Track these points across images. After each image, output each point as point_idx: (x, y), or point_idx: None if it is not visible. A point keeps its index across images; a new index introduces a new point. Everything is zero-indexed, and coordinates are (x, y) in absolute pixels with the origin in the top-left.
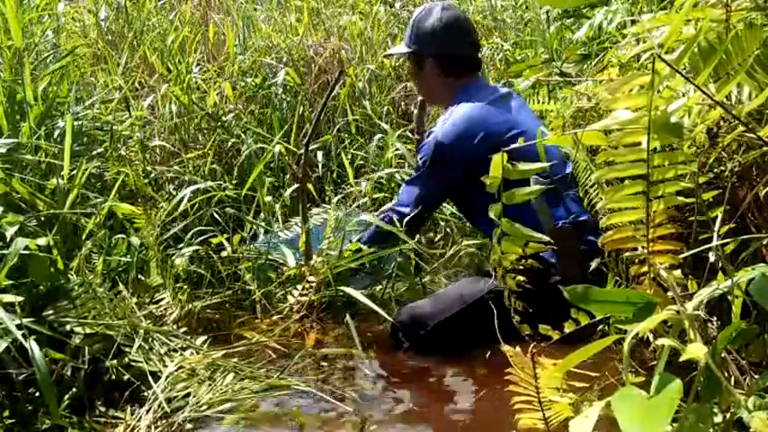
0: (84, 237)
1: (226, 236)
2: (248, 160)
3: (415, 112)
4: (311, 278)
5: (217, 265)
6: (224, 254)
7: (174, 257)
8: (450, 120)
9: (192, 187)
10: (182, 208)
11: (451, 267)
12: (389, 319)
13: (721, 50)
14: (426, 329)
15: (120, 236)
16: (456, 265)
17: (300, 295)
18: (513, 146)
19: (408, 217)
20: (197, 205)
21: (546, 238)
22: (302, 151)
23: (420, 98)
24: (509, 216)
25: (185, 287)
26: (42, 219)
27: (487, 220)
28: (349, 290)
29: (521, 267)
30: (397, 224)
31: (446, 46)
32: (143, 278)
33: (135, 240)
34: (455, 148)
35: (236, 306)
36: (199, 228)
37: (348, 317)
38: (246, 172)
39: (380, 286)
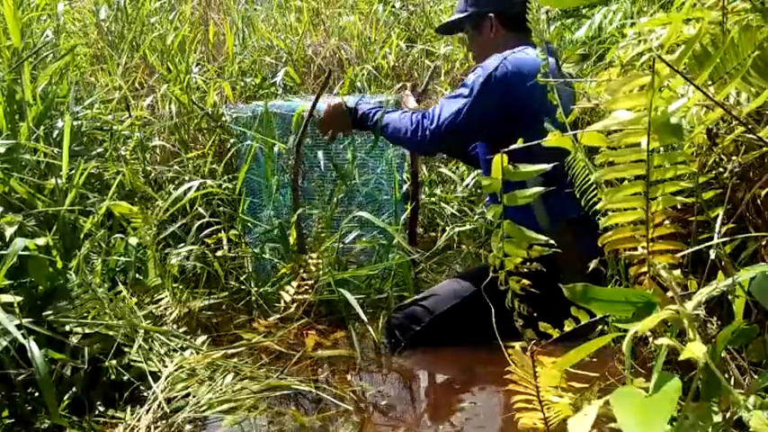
0: (82, 236)
1: (223, 234)
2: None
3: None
4: (306, 275)
5: (214, 264)
6: (219, 253)
7: (170, 256)
8: (520, 52)
9: (189, 184)
10: (179, 205)
11: (447, 261)
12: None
13: (717, 56)
14: (422, 325)
15: (118, 235)
16: (451, 259)
17: (296, 293)
18: (512, 146)
19: (435, 129)
20: (196, 204)
21: (550, 241)
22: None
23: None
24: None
25: (182, 287)
26: (41, 219)
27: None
28: (346, 294)
29: (525, 270)
30: (421, 129)
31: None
32: (141, 278)
33: (133, 240)
34: (516, 75)
35: (233, 308)
36: (200, 221)
37: (356, 306)
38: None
39: (377, 282)
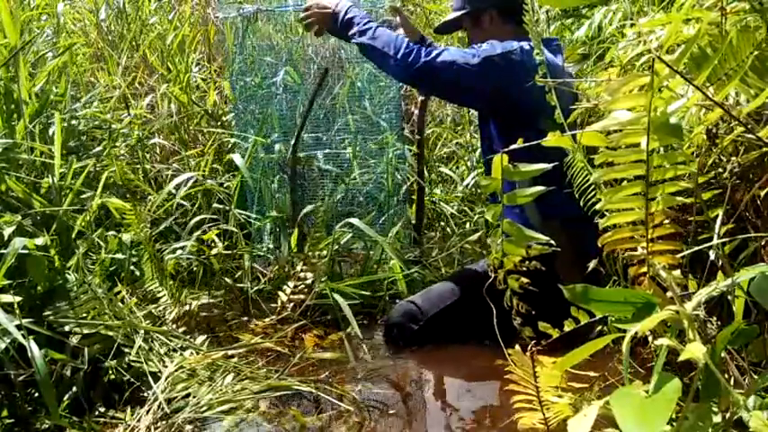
0: (74, 234)
1: (216, 232)
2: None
3: (416, 112)
4: (304, 274)
5: (212, 260)
6: (215, 251)
7: (166, 253)
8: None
9: (182, 177)
10: (174, 201)
11: (447, 260)
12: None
13: (716, 57)
14: (419, 324)
15: (111, 233)
16: (451, 258)
17: (293, 293)
18: (512, 146)
19: (428, 62)
20: (197, 203)
21: (550, 240)
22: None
23: (420, 98)
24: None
25: (177, 285)
26: (38, 218)
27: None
28: (341, 300)
29: (524, 269)
30: (415, 55)
31: None
32: (137, 272)
33: (126, 237)
34: (523, 70)
35: (230, 307)
36: (197, 218)
37: (350, 318)
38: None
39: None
